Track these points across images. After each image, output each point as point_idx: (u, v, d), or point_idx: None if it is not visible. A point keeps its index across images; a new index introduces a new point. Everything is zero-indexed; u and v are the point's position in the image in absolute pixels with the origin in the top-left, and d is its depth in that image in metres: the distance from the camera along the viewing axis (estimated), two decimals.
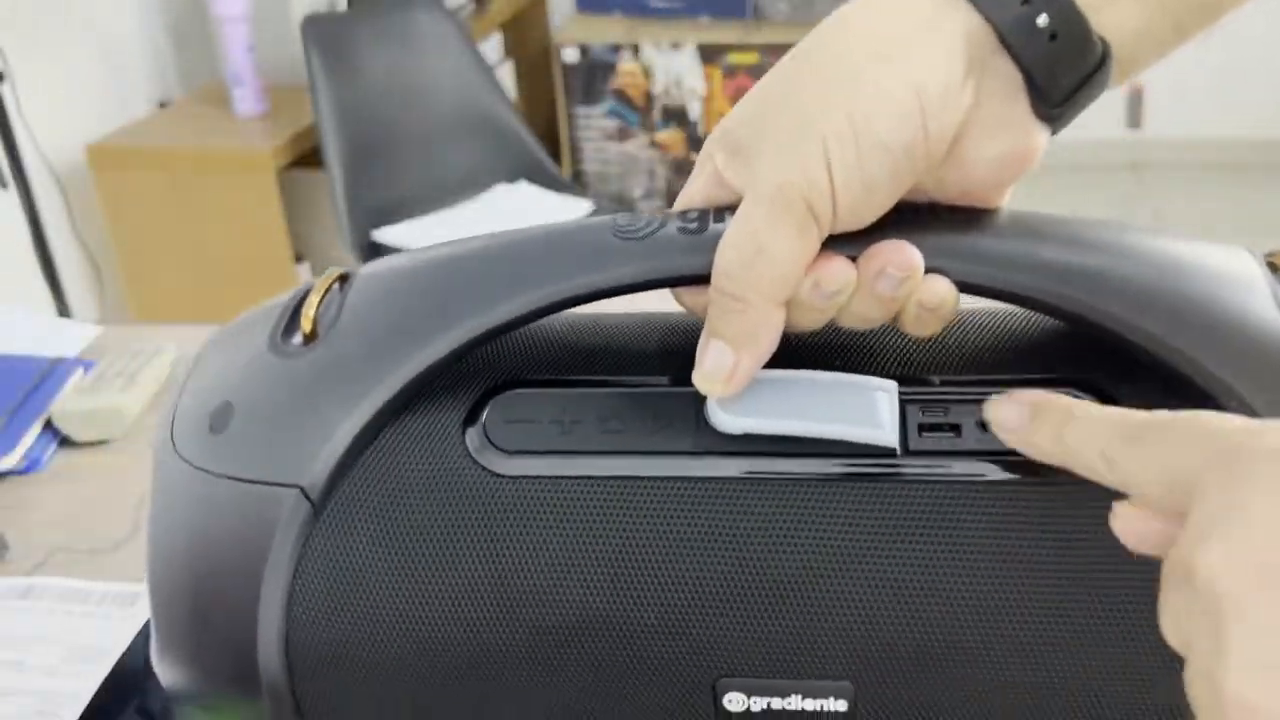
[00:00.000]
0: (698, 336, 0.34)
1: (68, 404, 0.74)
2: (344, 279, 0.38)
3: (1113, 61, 0.33)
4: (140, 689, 0.53)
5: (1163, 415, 0.27)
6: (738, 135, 0.34)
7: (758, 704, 0.33)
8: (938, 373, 0.35)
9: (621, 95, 2.82)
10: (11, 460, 0.71)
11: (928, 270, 0.32)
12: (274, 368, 0.36)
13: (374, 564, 0.34)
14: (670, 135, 2.85)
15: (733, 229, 0.32)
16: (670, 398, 0.35)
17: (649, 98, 2.81)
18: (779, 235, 0.31)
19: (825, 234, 0.32)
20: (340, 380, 0.34)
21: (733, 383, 0.33)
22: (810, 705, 0.33)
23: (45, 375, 0.78)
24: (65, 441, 0.74)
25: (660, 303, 0.38)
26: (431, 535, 0.34)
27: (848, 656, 0.32)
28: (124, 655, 0.53)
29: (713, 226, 0.33)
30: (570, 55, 2.79)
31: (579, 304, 0.34)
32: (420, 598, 0.34)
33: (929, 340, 0.36)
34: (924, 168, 0.32)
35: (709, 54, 2.74)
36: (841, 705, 0.33)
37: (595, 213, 2.03)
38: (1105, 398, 0.33)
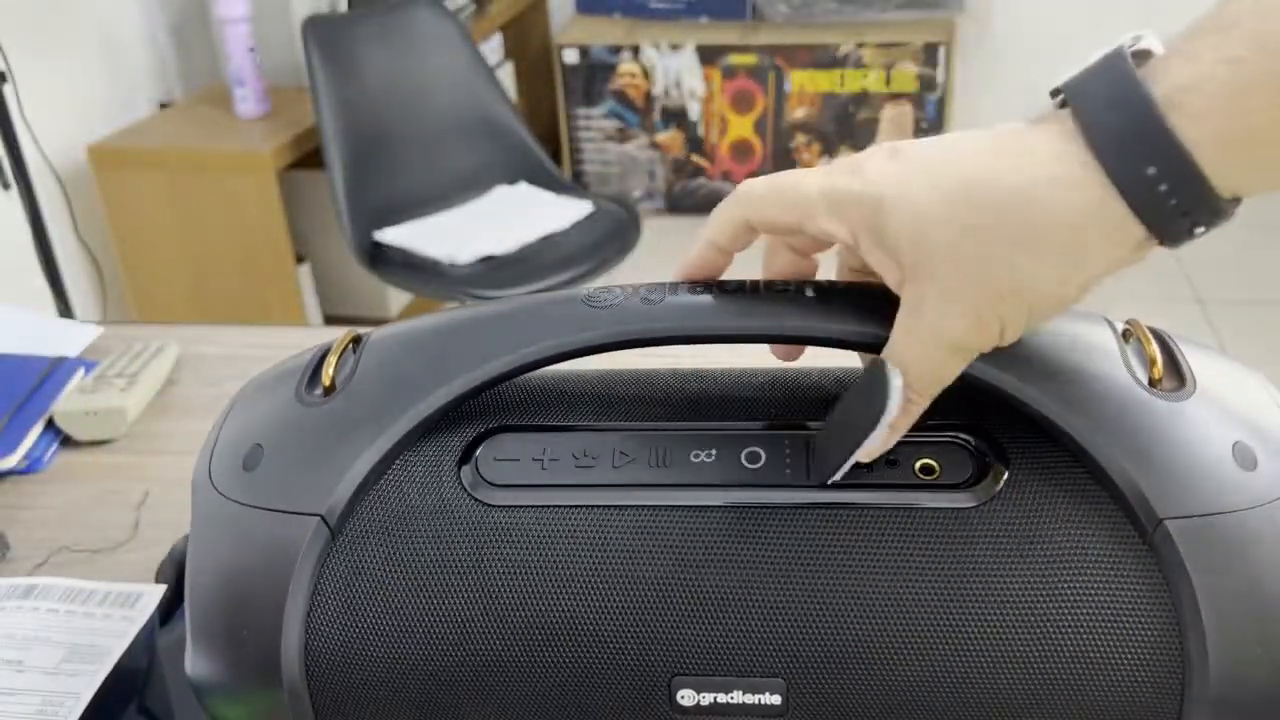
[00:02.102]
0: (656, 386, 0.44)
1: (69, 404, 0.74)
2: (357, 340, 0.45)
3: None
4: (140, 689, 0.53)
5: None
6: (885, 224, 0.35)
7: (705, 699, 0.38)
8: None
9: (621, 96, 2.82)
10: (13, 460, 0.71)
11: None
12: (298, 415, 0.42)
13: (382, 581, 0.39)
14: (670, 136, 2.85)
15: (928, 351, 0.36)
16: (633, 438, 0.41)
17: (649, 99, 2.81)
18: (953, 369, 0.36)
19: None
20: (355, 426, 0.40)
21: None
22: (750, 699, 0.38)
23: (46, 375, 0.79)
24: (66, 441, 0.74)
25: (625, 361, 0.44)
26: (431, 556, 0.39)
27: (780, 657, 0.38)
28: (124, 655, 0.53)
29: (669, 299, 0.40)
30: (570, 56, 2.79)
31: (556, 362, 0.41)
32: (421, 609, 0.39)
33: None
34: None
35: (709, 55, 2.74)
36: (776, 699, 0.38)
37: (595, 213, 2.03)
38: (991, 440, 0.40)
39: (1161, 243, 0.34)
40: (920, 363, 0.36)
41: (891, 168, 0.35)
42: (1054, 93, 0.35)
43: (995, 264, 0.33)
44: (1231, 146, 0.32)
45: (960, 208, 0.34)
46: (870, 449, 0.37)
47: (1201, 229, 0.33)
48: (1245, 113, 0.31)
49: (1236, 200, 0.33)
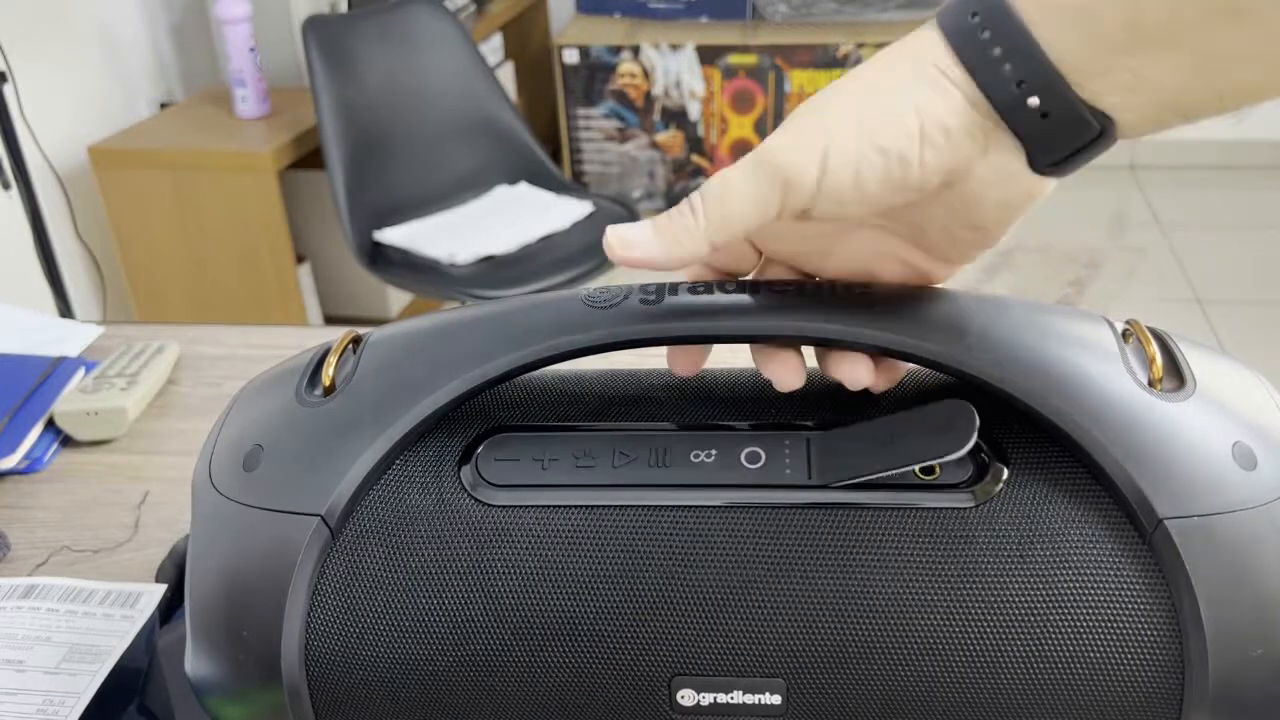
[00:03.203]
0: (655, 388, 0.43)
1: (69, 404, 0.74)
2: (356, 341, 0.45)
3: (1115, 128, 0.35)
4: (140, 689, 0.53)
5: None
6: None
7: (706, 699, 0.38)
8: (855, 417, 0.42)
9: (621, 96, 2.82)
10: (13, 460, 0.71)
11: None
12: (298, 415, 0.42)
13: (382, 580, 0.39)
14: (670, 136, 2.85)
15: (719, 171, 0.37)
16: (633, 438, 0.41)
17: (649, 99, 2.81)
18: (745, 183, 0.36)
19: (797, 208, 0.37)
20: (355, 426, 0.40)
21: (627, 252, 0.38)
22: (750, 699, 0.38)
23: (47, 375, 0.79)
24: (67, 441, 0.74)
25: (625, 361, 0.44)
26: (431, 556, 0.39)
27: (780, 657, 0.38)
28: (124, 655, 0.54)
29: (669, 299, 0.40)
30: (570, 56, 2.79)
31: (555, 362, 0.41)
32: (421, 609, 0.39)
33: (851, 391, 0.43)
34: (914, 190, 0.36)
35: (708, 55, 2.74)
36: (776, 699, 0.38)
37: (595, 213, 2.03)
38: (991, 440, 0.40)
39: (1000, 113, 0.35)
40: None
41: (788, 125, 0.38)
42: None
43: (825, 106, 0.36)
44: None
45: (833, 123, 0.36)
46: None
47: (1035, 100, 0.34)
48: None
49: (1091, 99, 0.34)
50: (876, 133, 0.35)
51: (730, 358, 0.57)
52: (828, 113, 0.36)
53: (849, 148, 0.35)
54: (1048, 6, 0.33)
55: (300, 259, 2.09)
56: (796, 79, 2.72)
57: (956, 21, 0.35)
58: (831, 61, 2.68)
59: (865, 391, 0.42)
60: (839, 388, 0.43)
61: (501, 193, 2.10)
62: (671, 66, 2.76)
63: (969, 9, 0.35)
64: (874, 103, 0.36)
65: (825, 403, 0.42)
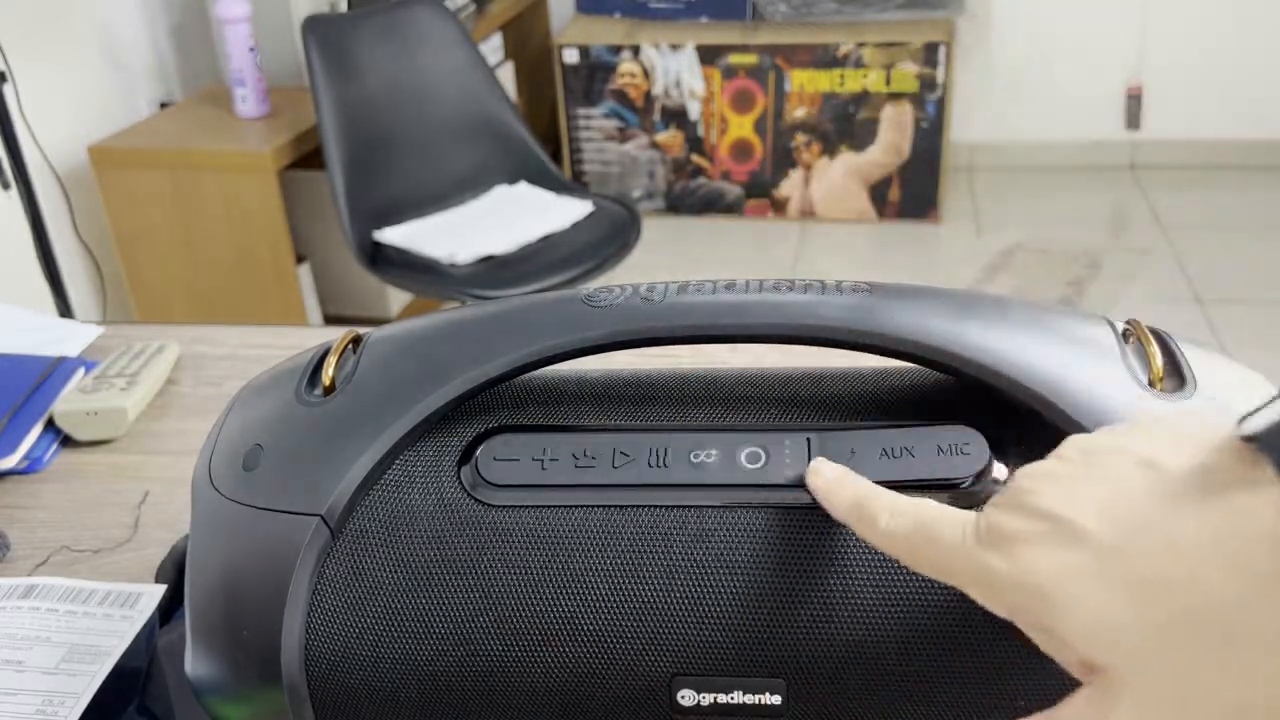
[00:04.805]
0: (655, 386, 0.43)
1: (69, 404, 0.74)
2: (357, 340, 0.45)
3: None
4: (140, 689, 0.53)
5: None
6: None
7: (706, 699, 0.38)
8: (860, 419, 0.42)
9: (621, 96, 2.82)
10: (13, 460, 0.71)
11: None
12: (298, 415, 0.42)
13: (382, 580, 0.39)
14: (670, 136, 2.85)
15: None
16: (633, 438, 0.41)
17: (649, 98, 2.81)
18: None
19: None
20: (355, 426, 0.41)
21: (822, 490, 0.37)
22: (750, 699, 0.38)
23: (47, 375, 0.79)
24: (67, 441, 0.74)
25: (625, 361, 0.44)
26: (430, 556, 0.39)
27: (780, 657, 0.38)
28: (124, 655, 0.53)
29: (668, 298, 0.40)
30: (570, 56, 2.79)
31: (556, 362, 0.41)
32: (420, 609, 0.39)
33: (853, 392, 0.43)
34: None
35: (708, 55, 2.74)
36: (776, 699, 0.38)
37: (595, 213, 2.03)
38: (991, 439, 0.40)
39: None
40: None
41: (1056, 557, 0.30)
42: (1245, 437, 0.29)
43: (1204, 675, 0.28)
44: None
45: (1151, 608, 0.28)
46: None
47: None
48: None
49: None
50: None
51: (730, 357, 0.57)
52: (1237, 688, 0.28)
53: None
54: None
55: (300, 259, 2.09)
56: (796, 79, 2.71)
57: None
58: (831, 61, 2.68)
59: (865, 392, 0.42)
60: (839, 389, 0.43)
61: (501, 193, 2.10)
62: (671, 66, 2.76)
63: None
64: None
65: (826, 403, 0.42)
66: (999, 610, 0.32)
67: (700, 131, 2.82)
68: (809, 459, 0.40)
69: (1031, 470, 0.32)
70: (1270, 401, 0.29)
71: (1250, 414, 0.29)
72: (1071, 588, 0.29)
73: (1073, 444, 0.33)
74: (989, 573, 0.31)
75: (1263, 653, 0.27)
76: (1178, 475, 0.29)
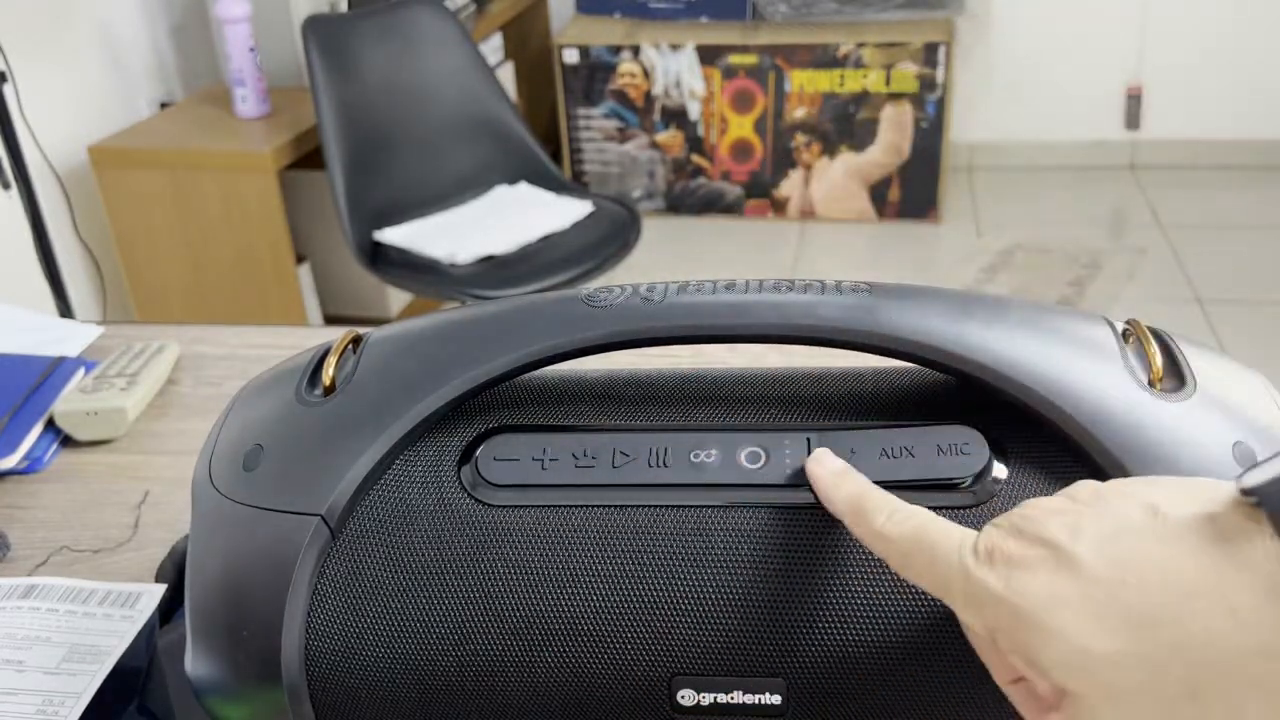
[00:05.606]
0: (656, 386, 0.43)
1: (69, 404, 0.74)
2: (357, 340, 0.45)
3: None
4: (140, 689, 0.53)
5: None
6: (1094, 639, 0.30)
7: (706, 699, 0.38)
8: (860, 419, 0.42)
9: (621, 96, 2.82)
10: (13, 460, 0.71)
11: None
12: (298, 415, 0.42)
13: (382, 580, 0.39)
14: (670, 136, 2.85)
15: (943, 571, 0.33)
16: (633, 438, 0.41)
17: (649, 99, 2.81)
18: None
19: None
20: (355, 426, 0.41)
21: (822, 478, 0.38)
22: (750, 699, 0.38)
23: (47, 375, 0.79)
24: (67, 441, 0.74)
25: (625, 361, 0.44)
26: (431, 556, 0.39)
27: (780, 657, 0.38)
28: (124, 655, 0.53)
29: (668, 298, 0.41)
30: (570, 56, 2.79)
31: (556, 362, 0.41)
32: (421, 609, 0.39)
33: (853, 392, 0.43)
34: None
35: (708, 55, 2.74)
36: (776, 699, 0.38)
37: (595, 213, 2.03)
38: (990, 439, 0.40)
39: None
40: None
41: (1048, 583, 0.30)
42: (1245, 491, 0.30)
43: (1181, 712, 0.29)
44: None
45: (1136, 641, 0.29)
46: None
47: None
48: None
49: None
50: None
51: (730, 357, 0.57)
52: None
53: None
54: None
55: (300, 259, 2.09)
56: (796, 79, 2.72)
57: None
58: (831, 61, 2.68)
59: (865, 392, 0.42)
60: (839, 388, 0.43)
61: (501, 193, 2.10)
62: (671, 66, 2.76)
63: None
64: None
65: (826, 403, 0.42)
66: (978, 626, 0.32)
67: (700, 131, 2.82)
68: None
69: (1039, 501, 0.33)
70: (1271, 458, 0.30)
71: (1251, 468, 0.30)
72: (1057, 614, 0.30)
73: (1085, 485, 0.33)
74: (979, 588, 0.32)
75: (1247, 696, 0.28)
76: (1180, 520, 0.30)
